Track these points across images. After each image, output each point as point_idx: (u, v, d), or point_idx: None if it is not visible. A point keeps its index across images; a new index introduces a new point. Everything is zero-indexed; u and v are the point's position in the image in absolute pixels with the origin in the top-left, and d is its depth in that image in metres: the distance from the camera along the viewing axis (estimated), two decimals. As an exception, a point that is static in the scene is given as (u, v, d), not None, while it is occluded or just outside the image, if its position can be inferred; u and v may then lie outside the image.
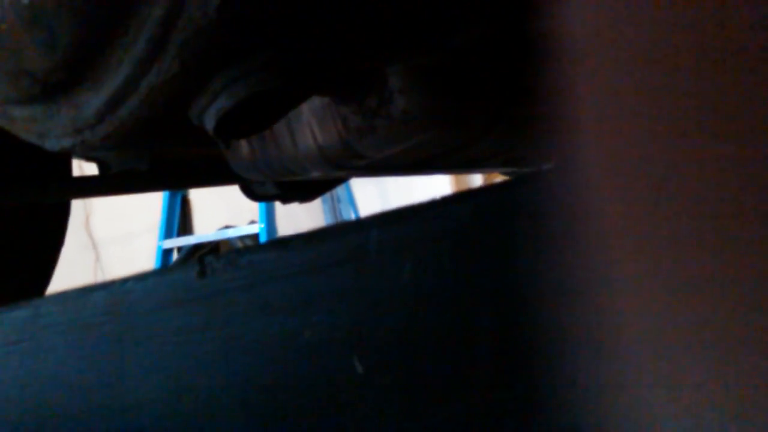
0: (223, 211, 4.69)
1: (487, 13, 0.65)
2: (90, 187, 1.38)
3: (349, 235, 0.41)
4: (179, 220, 4.34)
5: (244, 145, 1.07)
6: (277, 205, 3.97)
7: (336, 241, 0.41)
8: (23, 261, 1.46)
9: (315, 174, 1.01)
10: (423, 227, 0.39)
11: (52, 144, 0.55)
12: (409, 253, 0.40)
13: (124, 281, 0.42)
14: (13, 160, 1.27)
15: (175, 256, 4.24)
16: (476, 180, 5.07)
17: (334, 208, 5.42)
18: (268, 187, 1.57)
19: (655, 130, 0.21)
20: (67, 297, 0.42)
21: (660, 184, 0.21)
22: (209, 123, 0.51)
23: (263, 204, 3.91)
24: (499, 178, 4.94)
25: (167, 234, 4.21)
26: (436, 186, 5.04)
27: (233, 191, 1.66)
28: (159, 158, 1.41)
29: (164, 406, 0.42)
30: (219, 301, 0.41)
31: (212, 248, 4.27)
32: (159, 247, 4.18)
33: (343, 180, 2.01)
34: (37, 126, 0.54)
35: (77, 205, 1.60)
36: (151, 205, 4.05)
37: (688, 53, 0.20)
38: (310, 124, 0.92)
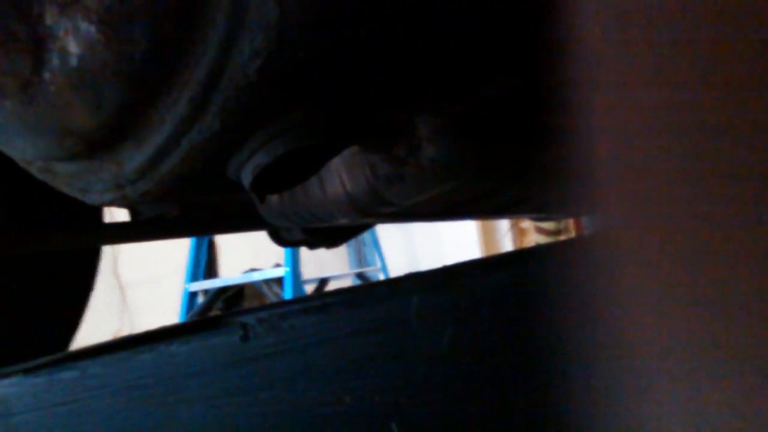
0: (248, 254, 4.72)
1: (519, 64, 0.66)
2: (121, 234, 1.40)
3: (390, 301, 0.41)
4: (205, 262, 4.37)
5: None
6: (304, 248, 3.99)
7: (376, 306, 0.41)
8: (56, 305, 1.48)
9: (342, 221, 1.01)
10: (463, 294, 0.40)
11: (93, 198, 0.56)
12: (448, 320, 0.40)
13: (169, 343, 0.43)
14: (48, 208, 1.29)
15: (200, 298, 4.26)
16: (503, 225, 5.06)
17: (359, 252, 5.43)
18: (295, 233, 1.58)
19: (674, 168, 0.21)
20: (113, 359, 0.43)
21: (676, 200, 0.21)
22: (246, 179, 0.52)
23: (288, 248, 3.93)
24: (526, 222, 4.92)
25: (194, 277, 4.24)
26: (462, 230, 5.03)
27: (259, 234, 1.67)
28: (188, 205, 1.43)
29: (207, 468, 0.42)
30: (261, 364, 0.42)
31: (237, 291, 4.29)
32: (185, 289, 4.20)
33: (369, 226, 2.02)
34: (80, 181, 0.55)
35: (106, 248, 1.63)
36: (178, 248, 4.09)
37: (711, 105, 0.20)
38: (339, 172, 0.93)
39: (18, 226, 1.29)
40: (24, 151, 0.55)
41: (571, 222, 4.39)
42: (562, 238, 4.53)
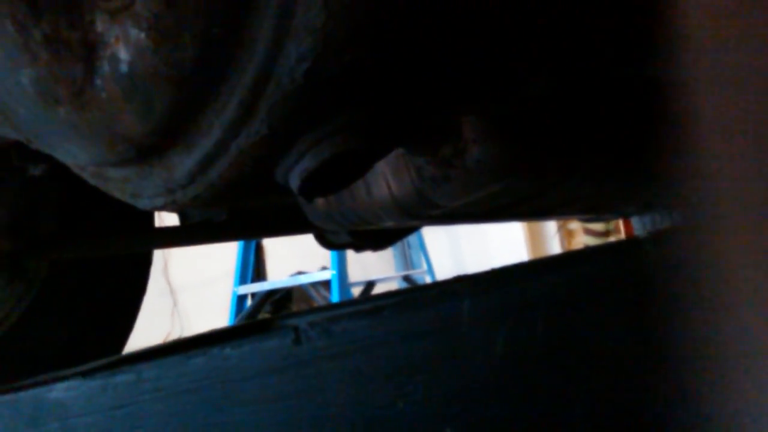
0: (295, 258, 4.75)
1: (565, 61, 0.65)
2: (171, 238, 1.43)
3: (442, 304, 0.40)
4: (253, 266, 4.42)
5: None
6: (349, 251, 4.00)
7: (428, 309, 0.41)
8: (110, 308, 1.52)
9: (388, 223, 1.01)
10: (516, 297, 0.39)
11: (144, 203, 0.57)
12: (502, 324, 0.39)
13: (222, 347, 0.43)
14: (102, 214, 1.32)
15: (249, 302, 4.31)
16: (551, 226, 5.01)
17: (404, 254, 5.43)
18: (342, 235, 1.59)
19: None
20: (167, 362, 0.43)
21: None
22: (294, 183, 0.52)
23: (334, 251, 3.95)
24: (575, 223, 4.86)
25: (242, 280, 4.29)
26: (509, 232, 4.99)
27: (305, 237, 1.68)
28: (235, 209, 1.45)
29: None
30: (313, 368, 0.42)
31: (285, 294, 4.33)
32: (234, 293, 4.25)
33: (415, 228, 2.01)
34: (131, 186, 0.56)
35: (157, 253, 1.66)
36: (226, 251, 4.15)
37: None
38: (385, 174, 0.92)
39: (73, 232, 1.32)
40: (77, 156, 0.56)
41: (620, 223, 4.32)
42: (611, 239, 4.46)
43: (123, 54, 0.47)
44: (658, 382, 0.28)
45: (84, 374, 0.45)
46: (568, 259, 0.40)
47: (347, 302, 0.45)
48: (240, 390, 0.42)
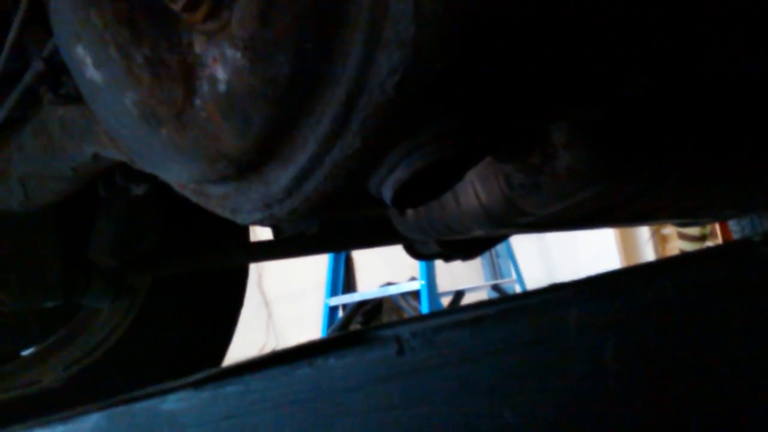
0: (384, 268, 4.79)
1: (657, 62, 0.63)
2: (266, 251, 1.47)
3: (546, 312, 0.40)
4: (344, 278, 4.47)
5: (408, 207, 1.09)
6: (437, 261, 3.99)
7: (532, 318, 0.40)
8: (211, 321, 1.57)
9: (477, 232, 1.00)
10: (624, 304, 0.38)
11: (243, 218, 0.59)
12: (610, 332, 0.38)
13: (326, 358, 0.44)
14: (200, 231, 1.37)
15: (340, 313, 4.36)
16: (644, 232, 4.86)
17: (493, 264, 5.38)
18: (431, 246, 1.59)
19: None
20: (274, 373, 0.45)
21: None
22: (387, 194, 0.53)
23: (423, 261, 3.95)
24: (669, 228, 4.70)
25: (333, 292, 4.34)
26: (600, 239, 4.87)
27: (394, 249, 1.69)
28: (326, 222, 1.47)
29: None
30: (416, 379, 0.42)
31: (376, 305, 4.36)
32: (326, 304, 4.32)
33: (504, 237, 1.99)
34: (230, 202, 0.58)
35: (252, 266, 1.71)
36: (317, 264, 4.21)
37: None
38: (473, 183, 0.92)
39: (173, 249, 1.37)
40: (179, 175, 0.59)
41: (716, 226, 4.15)
42: (708, 243, 4.29)
43: (221, 74, 0.48)
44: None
45: (195, 385, 0.47)
46: (679, 263, 0.39)
47: (447, 311, 0.45)
48: (345, 401, 0.43)
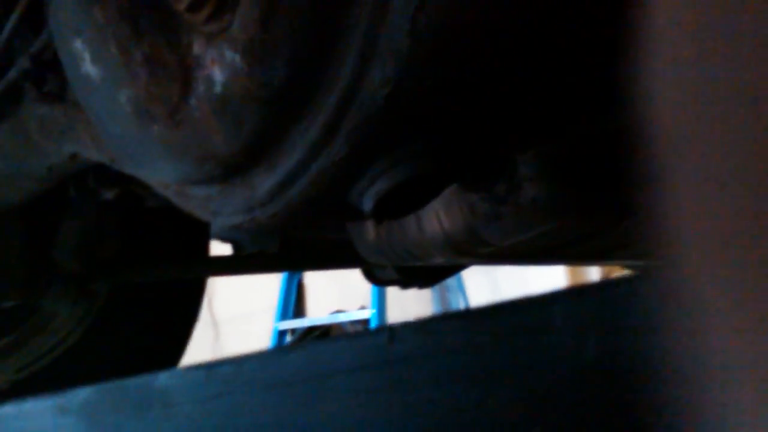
0: (335, 296, 4.77)
1: (604, 106, 0.67)
2: (225, 266, 1.47)
3: (532, 310, 0.42)
4: (295, 302, 4.44)
5: (370, 229, 1.11)
6: (388, 291, 4.00)
7: (519, 314, 0.42)
8: (164, 333, 1.55)
9: (438, 260, 1.02)
10: (608, 305, 0.40)
11: (222, 221, 0.60)
12: (592, 331, 0.40)
13: (319, 342, 0.45)
14: (160, 241, 1.37)
15: (289, 337, 4.33)
16: (593, 272, 4.94)
17: (443, 296, 5.40)
18: (389, 271, 1.60)
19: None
20: (268, 355, 0.46)
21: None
22: (368, 204, 0.55)
23: (375, 289, 3.95)
24: (618, 272, 4.78)
25: (283, 316, 4.31)
26: (549, 277, 4.93)
27: (345, 276, 1.70)
28: (286, 241, 1.48)
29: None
30: (405, 367, 0.43)
31: (324, 331, 4.33)
32: (275, 328, 4.28)
33: (463, 267, 2.02)
34: (213, 204, 0.59)
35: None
36: (269, 287, 4.18)
37: None
38: (437, 210, 0.94)
39: (133, 257, 1.36)
40: (165, 174, 0.59)
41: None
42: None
43: (218, 75, 0.50)
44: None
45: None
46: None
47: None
48: (335, 384, 0.44)
